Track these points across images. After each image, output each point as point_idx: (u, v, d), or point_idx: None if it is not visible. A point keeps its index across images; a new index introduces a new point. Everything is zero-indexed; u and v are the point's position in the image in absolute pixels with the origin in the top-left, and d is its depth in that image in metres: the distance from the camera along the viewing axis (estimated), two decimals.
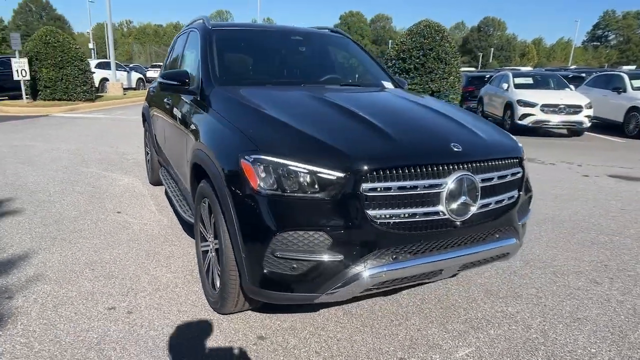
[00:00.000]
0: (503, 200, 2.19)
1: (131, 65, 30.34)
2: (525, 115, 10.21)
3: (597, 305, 2.58)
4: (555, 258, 3.24)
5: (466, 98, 14.04)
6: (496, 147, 2.25)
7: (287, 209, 1.83)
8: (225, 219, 2.02)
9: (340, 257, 1.83)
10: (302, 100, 2.62)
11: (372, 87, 3.40)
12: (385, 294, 2.62)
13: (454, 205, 1.96)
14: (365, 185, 1.81)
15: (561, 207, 4.53)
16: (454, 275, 2.74)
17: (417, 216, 1.91)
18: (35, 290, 2.63)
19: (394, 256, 1.90)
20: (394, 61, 11.50)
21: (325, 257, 1.83)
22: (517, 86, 11.27)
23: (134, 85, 23.96)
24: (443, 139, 2.11)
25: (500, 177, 2.16)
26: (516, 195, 2.27)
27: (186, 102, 2.99)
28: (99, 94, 17.21)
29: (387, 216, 1.87)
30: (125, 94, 18.97)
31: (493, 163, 2.12)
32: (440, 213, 1.94)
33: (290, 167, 1.83)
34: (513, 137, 2.50)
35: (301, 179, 1.82)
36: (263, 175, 1.85)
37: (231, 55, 3.37)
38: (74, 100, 14.52)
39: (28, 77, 13.58)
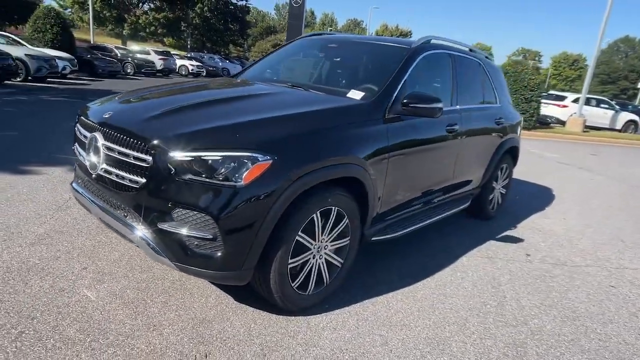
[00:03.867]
0: (125, 179, 2.11)
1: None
2: None
3: None
4: None
5: None
6: (141, 128, 2.14)
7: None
8: None
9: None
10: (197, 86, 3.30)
11: (316, 90, 3.01)
12: None
13: (87, 158, 2.32)
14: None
15: None
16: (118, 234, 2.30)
17: (80, 156, 2.49)
18: None
19: (79, 181, 2.59)
20: None
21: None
22: None
23: (618, 127, 18.80)
24: (113, 109, 2.42)
25: (122, 154, 2.12)
26: (137, 183, 2.06)
27: None
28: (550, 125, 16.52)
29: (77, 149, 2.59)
30: (585, 131, 16.17)
31: (123, 137, 2.12)
32: (83, 159, 2.38)
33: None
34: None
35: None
36: None
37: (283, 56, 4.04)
38: None
39: None
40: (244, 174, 1.94)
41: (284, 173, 2.03)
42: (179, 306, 2.33)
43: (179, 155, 1.96)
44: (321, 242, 2.39)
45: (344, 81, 3.39)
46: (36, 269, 2.52)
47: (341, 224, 2.46)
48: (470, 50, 4.10)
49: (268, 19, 76.52)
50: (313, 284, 2.41)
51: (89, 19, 26.61)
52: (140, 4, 35.02)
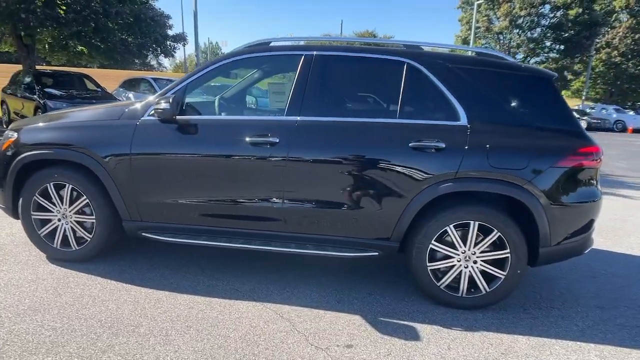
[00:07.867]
0: None
1: None
2: None
3: None
4: None
5: None
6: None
7: None
8: None
9: None
10: None
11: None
12: None
13: None
14: None
15: None
16: None
17: None
18: None
19: None
20: None
21: None
22: None
23: None
24: None
25: None
26: None
27: None
28: None
29: None
30: None
31: None
32: None
33: None
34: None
35: None
36: None
37: None
38: None
39: None
40: (3, 143, 3.15)
41: (16, 147, 3.05)
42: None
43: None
44: (64, 210, 3.06)
45: None
46: None
47: (79, 201, 3.02)
48: (407, 46, 2.99)
49: None
50: (58, 243, 3.12)
51: None
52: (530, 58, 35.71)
